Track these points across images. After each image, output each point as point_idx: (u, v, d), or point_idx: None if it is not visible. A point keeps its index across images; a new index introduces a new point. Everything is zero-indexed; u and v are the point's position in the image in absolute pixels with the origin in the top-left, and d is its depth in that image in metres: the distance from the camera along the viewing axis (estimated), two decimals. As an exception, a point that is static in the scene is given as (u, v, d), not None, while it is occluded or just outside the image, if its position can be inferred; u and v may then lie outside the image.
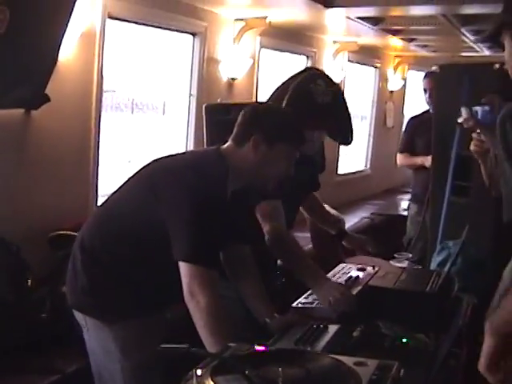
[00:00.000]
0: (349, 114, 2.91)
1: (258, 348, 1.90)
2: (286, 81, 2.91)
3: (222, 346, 2.34)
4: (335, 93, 2.84)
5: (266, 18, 5.64)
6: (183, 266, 2.41)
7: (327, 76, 2.90)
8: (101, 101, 4.40)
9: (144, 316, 2.57)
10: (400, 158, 5.88)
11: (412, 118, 5.97)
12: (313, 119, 2.79)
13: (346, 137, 2.94)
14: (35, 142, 3.94)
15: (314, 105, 2.78)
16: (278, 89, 2.91)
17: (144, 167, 2.66)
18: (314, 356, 1.99)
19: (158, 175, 2.57)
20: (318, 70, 2.93)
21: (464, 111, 2.39)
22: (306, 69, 2.96)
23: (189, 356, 1.46)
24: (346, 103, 2.91)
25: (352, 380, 1.65)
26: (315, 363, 1.77)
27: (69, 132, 4.20)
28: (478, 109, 2.43)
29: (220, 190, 2.49)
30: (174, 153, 2.84)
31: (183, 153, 2.78)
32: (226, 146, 2.63)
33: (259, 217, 2.84)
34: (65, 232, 3.82)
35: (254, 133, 2.55)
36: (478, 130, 2.84)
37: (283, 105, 2.75)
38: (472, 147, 3.44)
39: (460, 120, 2.62)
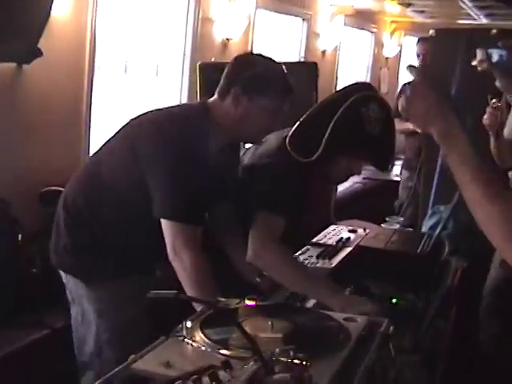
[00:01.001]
0: (394, 144, 2.68)
1: (247, 302, 1.90)
2: (336, 97, 2.62)
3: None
4: (386, 121, 2.56)
5: (262, -22, 5.59)
6: (165, 224, 2.37)
7: (380, 98, 2.63)
8: (94, 58, 4.34)
9: (123, 278, 2.54)
10: None
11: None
12: (357, 148, 2.56)
13: (385, 166, 2.71)
14: (27, 97, 3.89)
15: (363, 134, 2.50)
16: (325, 105, 2.62)
17: (125, 124, 2.60)
18: (303, 310, 2.00)
19: (137, 130, 2.51)
20: (370, 88, 2.64)
21: (479, 53, 2.33)
22: (359, 86, 2.66)
23: (178, 301, 1.44)
24: (393, 131, 2.68)
25: (341, 335, 1.65)
26: (305, 317, 1.77)
27: (61, 87, 4.15)
28: (494, 51, 2.36)
29: (201, 144, 2.42)
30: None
31: (166, 107, 2.66)
32: (212, 99, 2.56)
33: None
34: (55, 188, 3.78)
35: (234, 86, 2.47)
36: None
37: (331, 127, 2.47)
38: (486, 120, 3.42)
39: (474, 62, 2.57)
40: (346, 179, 2.80)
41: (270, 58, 2.59)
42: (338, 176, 2.73)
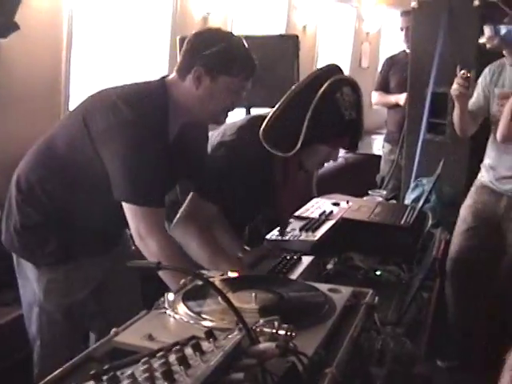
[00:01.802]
0: (363, 125, 2.57)
1: (230, 274, 1.88)
2: (308, 84, 2.49)
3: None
4: (359, 102, 2.50)
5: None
6: (127, 208, 2.29)
7: (351, 80, 2.53)
8: (71, 31, 4.28)
9: (75, 261, 2.47)
10: (374, 97, 5.92)
11: (388, 57, 5.99)
12: (336, 137, 2.51)
13: (354, 147, 2.65)
14: (4, 71, 3.83)
15: (341, 121, 2.44)
16: (297, 93, 2.49)
17: (82, 101, 2.49)
18: (287, 282, 1.98)
19: (91, 109, 2.38)
20: (339, 70, 2.53)
21: (488, 29, 2.28)
22: (328, 70, 2.53)
23: (159, 270, 1.42)
24: (363, 110, 2.56)
25: (326, 305, 1.63)
26: (289, 288, 1.75)
27: (39, 61, 4.09)
28: (502, 27, 2.31)
29: (158, 125, 2.32)
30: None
31: (124, 85, 2.48)
32: (171, 77, 2.44)
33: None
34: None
35: (195, 64, 2.34)
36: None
37: (308, 118, 2.40)
38: (455, 91, 3.42)
39: (482, 40, 2.52)
40: (321, 167, 2.72)
41: (232, 33, 2.49)
42: (314, 165, 2.67)
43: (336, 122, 2.44)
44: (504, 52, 2.36)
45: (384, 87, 5.80)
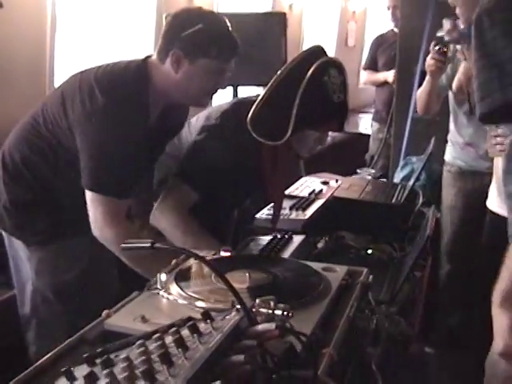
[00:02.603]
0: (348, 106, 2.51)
1: (223, 253, 1.85)
2: (294, 67, 2.38)
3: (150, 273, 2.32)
4: (345, 85, 2.42)
5: None
6: (88, 195, 2.26)
7: (336, 61, 2.43)
8: (55, 7, 4.21)
9: (63, 239, 2.44)
10: (363, 75, 5.93)
11: (376, 36, 5.99)
12: (326, 121, 2.45)
13: (341, 128, 2.56)
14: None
15: (331, 105, 2.36)
16: (283, 78, 2.37)
17: (65, 81, 2.44)
18: (282, 261, 1.96)
19: (70, 91, 2.33)
20: (323, 52, 2.42)
21: (447, 23, 2.25)
22: (313, 52, 2.42)
23: (153, 250, 1.38)
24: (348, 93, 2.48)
25: (322, 284, 1.61)
26: (283, 268, 1.72)
27: (23, 38, 4.02)
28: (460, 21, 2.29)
29: (135, 112, 2.27)
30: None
31: (106, 65, 2.39)
32: (151, 59, 2.37)
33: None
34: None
35: (173, 47, 2.27)
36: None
37: (296, 104, 2.30)
38: (431, 64, 3.37)
39: (440, 33, 2.49)
40: (312, 151, 2.63)
41: (212, 13, 2.41)
42: (304, 150, 2.59)
43: (326, 106, 2.37)
44: (458, 47, 2.33)
45: (373, 66, 5.80)
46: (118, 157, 2.22)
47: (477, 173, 3.58)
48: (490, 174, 3.43)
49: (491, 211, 3.12)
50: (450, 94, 3.58)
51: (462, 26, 2.21)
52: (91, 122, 2.23)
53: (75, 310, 2.45)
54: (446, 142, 3.78)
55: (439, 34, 2.67)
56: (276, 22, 4.68)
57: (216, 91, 2.45)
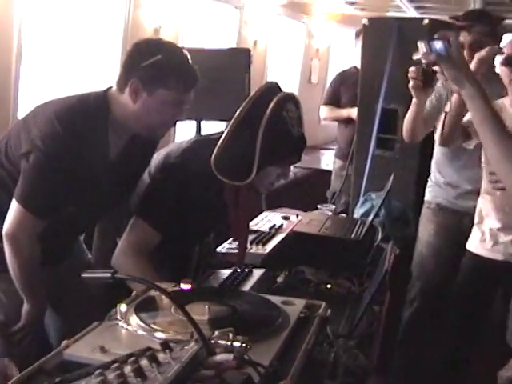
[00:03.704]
0: None
1: (183, 286, 1.86)
2: (253, 105, 2.38)
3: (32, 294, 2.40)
4: (301, 118, 2.44)
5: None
6: (12, 203, 2.30)
7: (291, 95, 2.46)
8: (21, 40, 4.22)
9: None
10: (324, 111, 5.86)
11: (339, 73, 5.97)
12: (288, 156, 2.48)
13: (299, 160, 2.58)
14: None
15: (291, 139, 2.40)
16: (243, 117, 2.37)
17: (29, 112, 2.45)
18: (241, 294, 1.97)
19: (31, 121, 2.35)
20: (279, 87, 2.45)
21: (422, 45, 2.25)
22: (270, 88, 2.43)
23: (114, 282, 1.39)
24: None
25: (280, 317, 1.63)
26: (242, 301, 1.74)
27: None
28: (436, 42, 2.29)
29: (90, 142, 2.27)
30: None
31: (67, 97, 2.41)
32: (112, 89, 2.37)
33: None
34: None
35: (132, 77, 2.27)
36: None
37: (259, 142, 2.31)
38: (410, 84, 3.21)
39: (416, 56, 2.50)
40: (273, 187, 2.64)
41: (172, 44, 2.42)
42: (266, 186, 2.59)
43: (287, 141, 2.39)
44: (437, 69, 2.34)
45: (334, 102, 5.74)
46: (55, 183, 2.26)
47: (456, 211, 3.66)
48: (469, 215, 3.46)
49: (470, 252, 3.16)
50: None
51: (438, 46, 2.24)
52: (44, 145, 2.24)
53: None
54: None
55: (415, 57, 2.68)
56: (240, 58, 4.73)
57: (174, 122, 2.46)
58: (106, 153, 2.36)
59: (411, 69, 3.20)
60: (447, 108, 2.92)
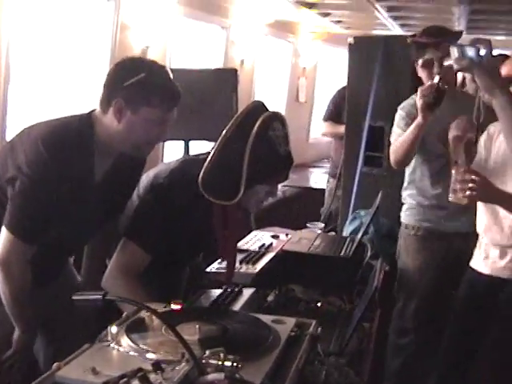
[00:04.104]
0: None
1: (173, 306, 1.86)
2: (239, 125, 2.39)
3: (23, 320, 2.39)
4: (288, 136, 2.46)
5: (181, -16, 5.56)
6: (2, 230, 2.30)
7: (277, 113, 2.47)
8: (9, 62, 4.22)
9: None
10: (324, 127, 5.83)
11: (339, 89, 5.84)
12: (275, 174, 2.48)
13: (287, 179, 2.58)
14: None
15: (278, 158, 2.41)
16: (229, 137, 2.38)
17: (16, 134, 2.46)
18: (231, 313, 1.97)
19: (18, 145, 2.36)
20: (264, 106, 2.46)
21: (454, 50, 2.22)
22: (256, 108, 2.45)
23: (104, 304, 1.40)
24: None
25: (271, 336, 1.63)
26: (233, 320, 1.75)
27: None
28: (468, 48, 2.25)
29: (76, 165, 2.28)
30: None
31: (52, 120, 2.42)
32: (96, 111, 2.38)
33: None
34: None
35: (115, 97, 2.27)
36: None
37: (246, 161, 2.32)
38: (422, 102, 3.16)
39: (449, 61, 2.45)
40: (262, 205, 2.66)
41: (154, 62, 2.43)
42: (254, 205, 2.60)
43: (274, 160, 2.41)
44: (466, 75, 2.27)
45: (334, 117, 5.66)
46: (42, 208, 2.27)
47: (445, 233, 3.56)
48: (459, 234, 3.41)
49: (473, 269, 3.04)
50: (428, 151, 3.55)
51: (470, 53, 2.20)
52: (29, 171, 2.24)
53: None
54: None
55: (447, 62, 2.62)
56: (227, 78, 4.77)
57: (158, 141, 2.47)
58: (91, 175, 2.37)
59: (423, 87, 3.20)
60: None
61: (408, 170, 3.68)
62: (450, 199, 2.72)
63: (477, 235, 3.06)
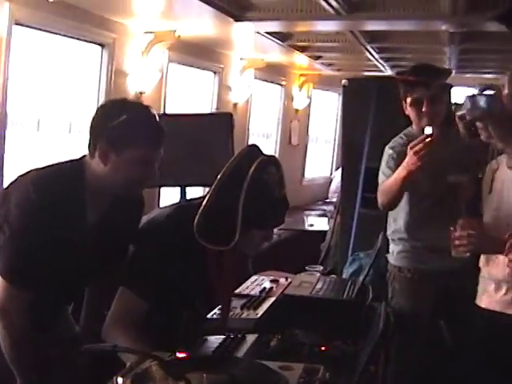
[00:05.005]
0: None
1: (179, 355, 1.83)
2: (234, 169, 2.38)
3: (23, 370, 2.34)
4: (283, 179, 2.46)
5: (174, 31, 5.59)
6: None
7: (272, 157, 2.48)
8: (6, 113, 4.23)
9: None
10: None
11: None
12: (271, 218, 2.46)
13: (283, 222, 2.57)
14: None
15: (273, 202, 2.40)
16: (224, 181, 2.37)
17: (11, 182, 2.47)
18: (238, 361, 1.94)
19: (11, 191, 2.36)
20: (259, 150, 2.46)
21: (468, 101, 2.21)
22: (250, 152, 2.45)
23: (115, 353, 1.37)
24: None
25: (280, 383, 1.60)
26: (240, 368, 1.72)
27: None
28: (479, 97, 2.25)
29: (66, 210, 2.28)
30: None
31: (44, 167, 2.44)
32: (86, 156, 2.40)
33: None
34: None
35: (99, 141, 2.30)
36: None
37: (241, 207, 2.31)
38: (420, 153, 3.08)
39: (461, 112, 2.42)
40: (258, 249, 2.63)
41: (137, 103, 2.45)
42: (251, 249, 2.59)
43: (269, 204, 2.39)
44: (479, 124, 2.23)
45: None
46: (33, 253, 2.25)
47: (439, 273, 3.46)
48: (456, 272, 3.34)
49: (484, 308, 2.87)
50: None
51: (481, 102, 2.19)
52: (19, 214, 2.25)
53: None
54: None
55: (459, 113, 2.59)
56: (223, 122, 4.78)
57: (147, 181, 2.45)
58: (83, 218, 2.36)
59: (413, 143, 3.12)
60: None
61: (396, 211, 3.62)
62: (452, 254, 2.72)
63: (468, 270, 3.00)
